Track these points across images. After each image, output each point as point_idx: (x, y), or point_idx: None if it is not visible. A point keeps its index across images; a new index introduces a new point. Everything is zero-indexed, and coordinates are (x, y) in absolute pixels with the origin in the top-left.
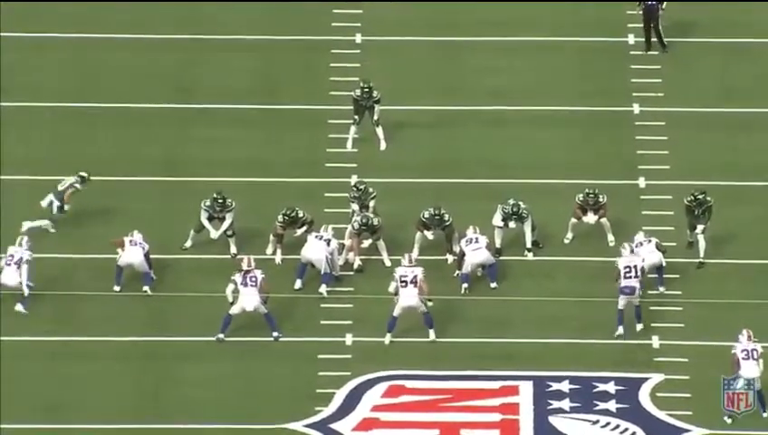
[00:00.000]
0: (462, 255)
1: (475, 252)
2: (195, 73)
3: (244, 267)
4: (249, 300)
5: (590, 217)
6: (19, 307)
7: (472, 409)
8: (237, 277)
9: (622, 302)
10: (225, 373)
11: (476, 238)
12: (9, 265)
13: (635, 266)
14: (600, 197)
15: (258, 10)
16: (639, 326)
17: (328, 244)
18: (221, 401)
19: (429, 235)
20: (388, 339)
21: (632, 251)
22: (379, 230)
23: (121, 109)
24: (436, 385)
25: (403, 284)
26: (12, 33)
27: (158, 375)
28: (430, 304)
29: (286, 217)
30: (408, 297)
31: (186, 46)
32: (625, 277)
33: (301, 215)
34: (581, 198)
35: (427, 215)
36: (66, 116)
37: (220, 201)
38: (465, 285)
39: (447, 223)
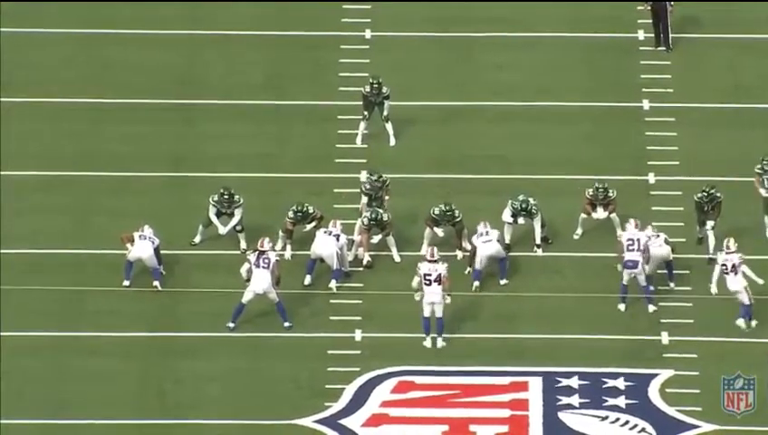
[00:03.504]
0: (474, 251)
1: (486, 244)
2: (203, 69)
3: (260, 248)
4: (260, 281)
5: (600, 213)
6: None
7: (481, 404)
8: (252, 257)
9: (626, 277)
10: (233, 369)
11: (487, 232)
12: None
13: (638, 240)
14: (610, 191)
15: (267, 6)
16: (652, 308)
17: (337, 239)
18: (230, 396)
19: (439, 232)
20: (429, 343)
21: (637, 226)
22: (389, 226)
23: (129, 104)
24: (446, 381)
25: (427, 282)
26: (18, 28)
27: (166, 371)
28: (448, 300)
29: (297, 214)
30: (433, 295)
31: (194, 42)
32: (628, 250)
33: (311, 211)
34: (591, 193)
35: (437, 211)
36: (74, 112)
37: (227, 197)
38: (476, 283)
39: (458, 219)
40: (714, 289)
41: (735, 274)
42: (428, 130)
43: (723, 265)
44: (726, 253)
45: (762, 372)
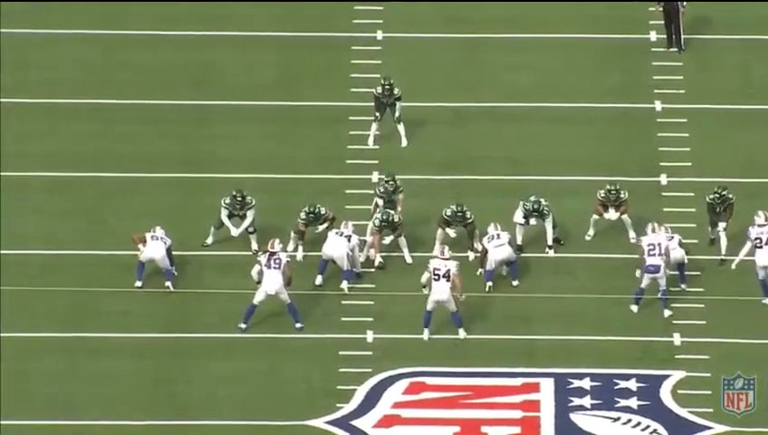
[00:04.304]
0: (485, 252)
1: (498, 248)
2: (215, 70)
3: (270, 249)
4: (272, 282)
5: (612, 214)
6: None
7: (493, 406)
8: (262, 259)
9: (645, 281)
10: (245, 370)
11: (498, 235)
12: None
13: (659, 244)
14: (622, 193)
15: (279, 6)
16: (667, 313)
17: (348, 240)
18: (241, 397)
19: (451, 232)
20: (426, 335)
21: (655, 230)
22: (400, 227)
23: (141, 105)
24: (458, 382)
25: (436, 277)
26: (29, 29)
27: (178, 371)
28: (462, 298)
29: (309, 215)
30: (440, 292)
31: (206, 43)
32: (649, 255)
33: (323, 212)
34: (603, 195)
35: (449, 212)
36: (85, 113)
37: (239, 199)
38: (489, 284)
39: (470, 220)
40: (736, 260)
41: None
42: (440, 131)
43: (757, 238)
44: (759, 226)
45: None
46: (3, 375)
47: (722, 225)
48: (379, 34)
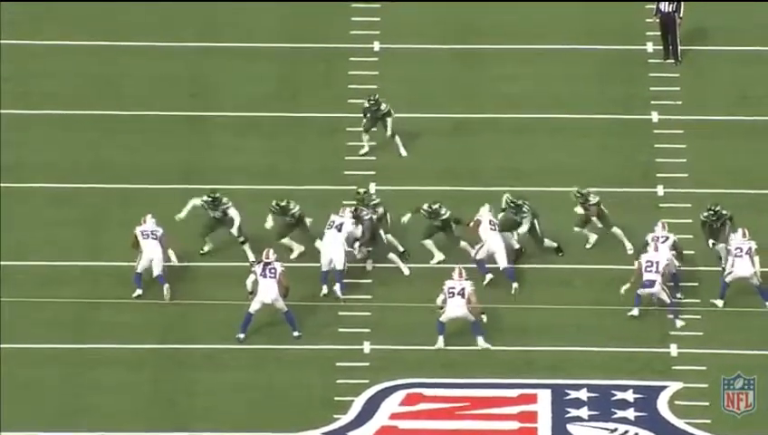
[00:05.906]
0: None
1: (493, 234)
2: (213, 81)
3: (265, 259)
4: (268, 292)
5: (580, 210)
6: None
7: (490, 417)
8: (257, 268)
9: (642, 294)
10: (242, 381)
11: (495, 226)
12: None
13: (656, 262)
14: (591, 197)
15: (276, 17)
16: (679, 323)
17: (339, 229)
18: (239, 408)
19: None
20: (440, 342)
21: (657, 249)
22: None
23: (141, 116)
24: (455, 393)
25: (450, 295)
26: (30, 40)
27: (175, 382)
28: (484, 317)
29: (276, 208)
30: (455, 308)
31: (205, 54)
32: (646, 271)
33: (291, 206)
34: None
35: (425, 207)
36: (86, 123)
37: (211, 199)
38: (489, 276)
39: (444, 216)
40: (726, 274)
41: (750, 257)
42: (437, 141)
43: (738, 247)
44: (738, 239)
45: None
46: (3, 386)
47: (721, 246)
48: (376, 45)
